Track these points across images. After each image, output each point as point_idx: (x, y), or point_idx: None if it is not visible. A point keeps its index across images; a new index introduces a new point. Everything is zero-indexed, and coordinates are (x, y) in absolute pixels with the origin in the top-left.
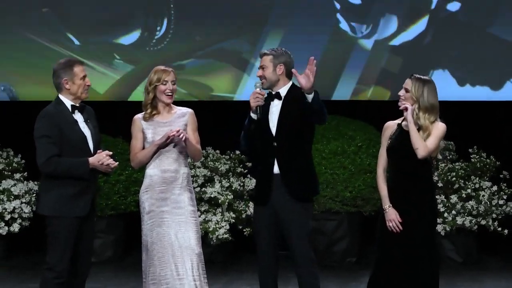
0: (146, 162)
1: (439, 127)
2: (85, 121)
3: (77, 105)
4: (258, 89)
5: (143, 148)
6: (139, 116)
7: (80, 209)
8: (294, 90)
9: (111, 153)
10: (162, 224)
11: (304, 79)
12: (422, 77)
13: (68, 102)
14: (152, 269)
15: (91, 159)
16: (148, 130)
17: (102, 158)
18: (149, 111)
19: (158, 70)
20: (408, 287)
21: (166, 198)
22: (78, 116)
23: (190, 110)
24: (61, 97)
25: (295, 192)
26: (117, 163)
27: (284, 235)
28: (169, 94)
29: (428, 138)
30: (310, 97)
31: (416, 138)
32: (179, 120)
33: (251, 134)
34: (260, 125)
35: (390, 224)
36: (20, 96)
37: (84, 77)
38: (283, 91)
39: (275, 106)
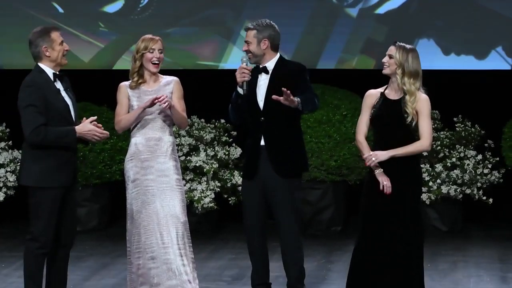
0: (129, 126)
1: (425, 103)
2: (65, 89)
3: (58, 73)
4: (244, 64)
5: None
6: (125, 83)
7: (64, 179)
8: (282, 63)
9: (95, 117)
10: (147, 192)
11: (286, 103)
12: (406, 45)
13: (49, 71)
14: (137, 238)
15: (78, 128)
16: (133, 97)
17: (91, 128)
18: (135, 79)
19: (145, 38)
20: (393, 255)
21: (150, 166)
22: (59, 85)
23: (175, 78)
24: (42, 65)
25: (280, 169)
26: (108, 133)
27: (271, 207)
28: (156, 62)
29: (421, 122)
30: (299, 107)
31: (414, 148)
32: (165, 88)
33: (238, 108)
34: (247, 99)
35: (382, 182)
36: (3, 65)
37: (62, 42)
38: (270, 65)
39: (263, 80)
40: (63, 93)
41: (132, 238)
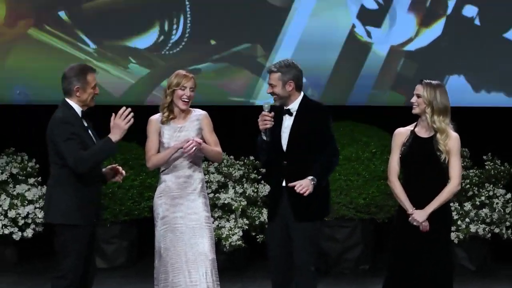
0: (162, 165)
1: (456, 142)
2: (90, 127)
3: (85, 110)
4: (266, 110)
5: (159, 149)
6: (156, 117)
7: (92, 215)
8: (306, 104)
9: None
10: (176, 230)
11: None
12: (432, 81)
13: (77, 108)
14: (164, 276)
15: (111, 135)
16: (164, 133)
17: (115, 123)
18: (166, 114)
19: (179, 74)
20: None
21: (180, 203)
22: (85, 123)
23: (203, 113)
24: (70, 102)
25: (299, 212)
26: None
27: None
28: (186, 100)
29: (452, 161)
30: (316, 183)
31: (447, 194)
32: (193, 124)
33: (265, 151)
34: (272, 141)
35: (420, 226)
36: (34, 100)
37: (95, 86)
38: (294, 106)
39: (287, 122)
40: (90, 131)
41: (160, 276)
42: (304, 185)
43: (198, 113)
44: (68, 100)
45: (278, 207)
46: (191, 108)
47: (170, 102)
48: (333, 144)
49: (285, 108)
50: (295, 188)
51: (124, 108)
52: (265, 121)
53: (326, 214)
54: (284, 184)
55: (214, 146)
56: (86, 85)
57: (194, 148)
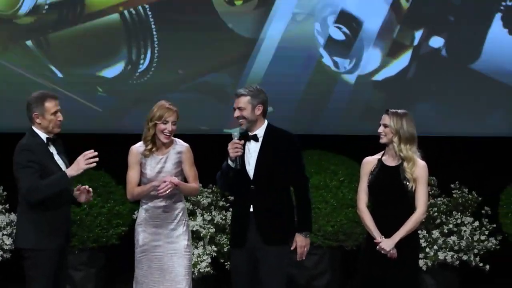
0: (141, 198)
1: (423, 171)
2: (58, 153)
3: (51, 137)
4: (236, 138)
5: (140, 179)
6: (137, 147)
7: (60, 240)
8: (271, 130)
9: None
10: (154, 258)
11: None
12: (398, 111)
13: (42, 135)
14: None
15: (67, 170)
16: (146, 164)
17: (78, 160)
18: (149, 147)
19: (162, 106)
20: None
21: (159, 233)
22: (52, 149)
23: (185, 146)
24: (35, 129)
25: (268, 237)
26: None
27: (259, 274)
28: (167, 134)
29: (418, 190)
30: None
31: (413, 223)
32: (173, 157)
33: (229, 180)
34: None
35: (388, 254)
36: (2, 128)
37: (56, 112)
38: (260, 132)
39: (252, 148)
40: (56, 157)
41: None
42: (302, 249)
43: (180, 145)
44: (33, 127)
45: (245, 232)
46: (174, 138)
47: (153, 135)
48: (301, 174)
49: (250, 134)
50: (299, 256)
51: (91, 151)
52: (236, 148)
53: (293, 235)
54: (251, 209)
55: (192, 180)
56: (45, 111)
57: (169, 190)
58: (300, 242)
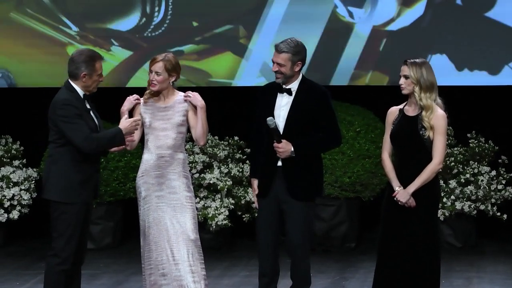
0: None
1: (441, 120)
2: (91, 109)
3: (88, 93)
4: (272, 126)
5: (142, 132)
6: (141, 100)
7: (88, 195)
8: (304, 84)
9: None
10: (158, 209)
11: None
12: (416, 60)
13: (80, 91)
14: (149, 254)
15: (122, 126)
16: (146, 114)
17: (129, 120)
18: (148, 91)
19: (152, 58)
20: (409, 270)
21: (161, 183)
22: (87, 105)
23: None
24: (73, 85)
25: (294, 192)
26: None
27: (284, 226)
28: (153, 83)
29: (435, 139)
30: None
31: (428, 173)
32: (179, 106)
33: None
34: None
35: (405, 204)
36: (18, 83)
37: (101, 73)
38: (294, 86)
39: (285, 101)
40: (91, 113)
41: (144, 254)
42: (282, 147)
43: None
44: (72, 82)
45: (272, 185)
46: (177, 91)
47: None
48: (333, 125)
49: (284, 87)
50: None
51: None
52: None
53: (319, 194)
54: (280, 163)
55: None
56: (93, 72)
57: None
58: (284, 144)
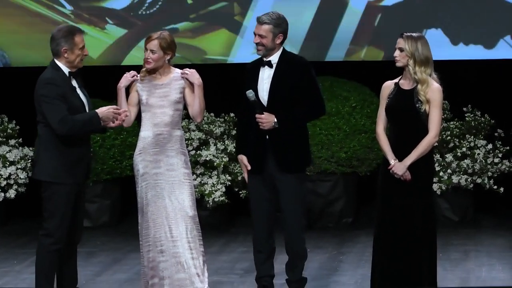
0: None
1: (437, 93)
2: (79, 87)
3: (73, 71)
4: (252, 99)
5: (139, 110)
6: (137, 76)
7: (79, 175)
8: (285, 56)
9: (114, 106)
10: (156, 186)
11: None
12: (413, 34)
13: (65, 69)
14: (146, 231)
15: (99, 111)
16: (142, 92)
17: (109, 107)
18: (144, 69)
19: (147, 36)
20: (406, 244)
21: (159, 160)
22: (74, 83)
23: None
24: (58, 63)
25: (284, 164)
26: (125, 110)
27: (278, 201)
28: (148, 61)
29: (431, 112)
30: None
31: (424, 146)
32: (176, 83)
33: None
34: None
35: (401, 177)
36: (13, 62)
37: (83, 47)
38: (274, 58)
39: (266, 74)
40: (78, 91)
41: (142, 231)
42: (265, 118)
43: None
44: (56, 61)
45: (262, 160)
46: (174, 68)
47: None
48: (315, 94)
49: (265, 59)
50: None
51: (126, 111)
52: (263, 122)
53: (308, 163)
54: (267, 137)
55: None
56: (74, 46)
57: (196, 78)
58: (266, 115)
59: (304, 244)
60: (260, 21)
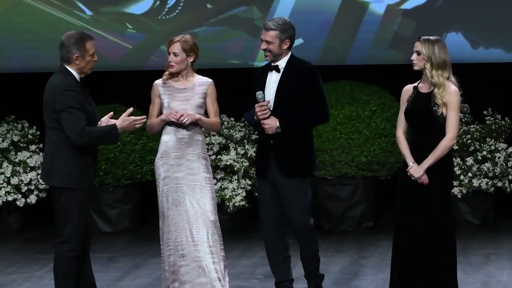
0: (157, 132)
1: (454, 96)
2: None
3: (82, 77)
4: (261, 100)
5: (160, 113)
6: (158, 81)
7: (91, 180)
8: (292, 61)
9: (131, 109)
10: (178, 190)
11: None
12: (430, 37)
13: (76, 75)
14: (168, 235)
15: (117, 123)
16: (164, 95)
17: (130, 119)
18: (167, 72)
19: (169, 40)
20: (426, 248)
21: (180, 164)
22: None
23: (210, 81)
24: (70, 69)
25: (286, 169)
26: (144, 116)
27: (283, 206)
28: (171, 64)
29: (448, 115)
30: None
31: (441, 149)
32: (199, 88)
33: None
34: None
35: (418, 180)
36: (33, 68)
37: (93, 53)
38: (282, 63)
39: (273, 79)
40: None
41: (164, 236)
42: (268, 123)
43: (205, 80)
44: (67, 67)
45: (266, 164)
46: (196, 74)
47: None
48: (320, 101)
49: (273, 64)
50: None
51: (144, 118)
52: (264, 111)
53: (313, 169)
54: (272, 142)
55: (214, 115)
56: (85, 53)
57: (186, 120)
58: (271, 120)
59: (315, 246)
60: (266, 27)
